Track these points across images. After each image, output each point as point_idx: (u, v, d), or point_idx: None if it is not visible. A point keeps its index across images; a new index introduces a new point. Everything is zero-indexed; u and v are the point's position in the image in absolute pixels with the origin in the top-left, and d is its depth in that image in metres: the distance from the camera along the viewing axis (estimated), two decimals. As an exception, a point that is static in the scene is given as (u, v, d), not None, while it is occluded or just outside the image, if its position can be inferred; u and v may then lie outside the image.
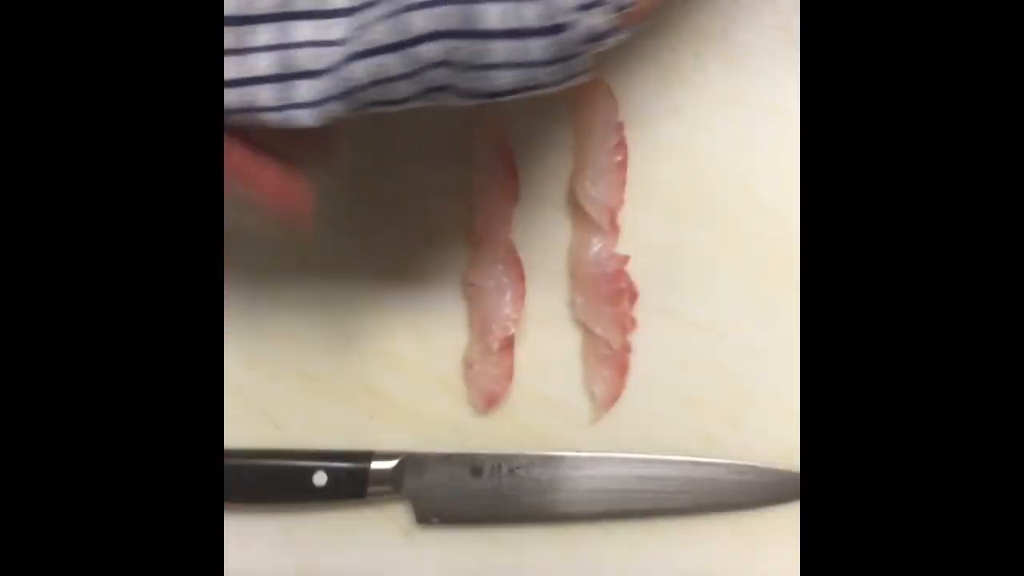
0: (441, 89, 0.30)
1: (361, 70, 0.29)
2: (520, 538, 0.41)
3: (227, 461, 0.39)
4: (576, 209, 0.43)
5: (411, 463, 0.40)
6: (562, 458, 0.41)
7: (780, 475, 0.41)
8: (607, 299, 0.42)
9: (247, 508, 0.41)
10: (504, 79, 0.29)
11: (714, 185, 0.43)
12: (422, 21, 0.28)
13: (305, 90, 0.30)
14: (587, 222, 0.42)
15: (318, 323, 0.42)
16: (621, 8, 0.30)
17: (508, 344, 0.42)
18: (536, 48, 0.29)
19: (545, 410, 0.42)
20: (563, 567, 0.41)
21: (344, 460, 0.40)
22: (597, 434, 0.42)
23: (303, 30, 0.30)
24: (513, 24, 0.28)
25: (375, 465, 0.40)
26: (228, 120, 0.30)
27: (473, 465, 0.40)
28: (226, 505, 0.39)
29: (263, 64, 0.30)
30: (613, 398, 0.42)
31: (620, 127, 0.43)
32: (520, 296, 0.42)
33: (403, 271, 0.43)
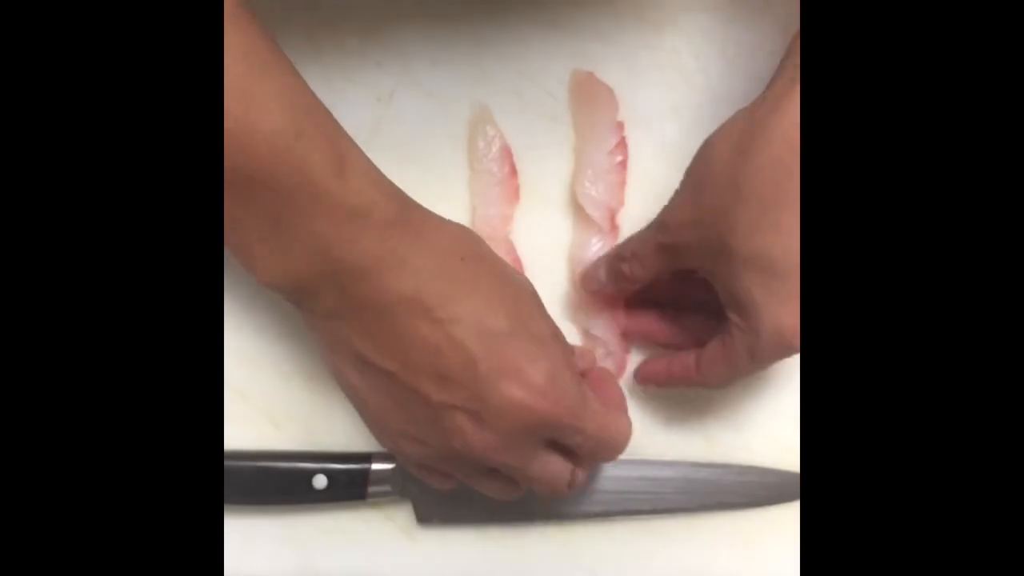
0: None
1: None
2: (520, 538, 0.41)
3: (227, 461, 0.39)
4: (576, 209, 0.43)
5: (411, 463, 0.40)
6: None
7: (780, 475, 0.41)
8: (607, 299, 0.42)
9: (247, 508, 0.41)
10: None
11: (714, 185, 0.43)
12: None
13: None
14: (587, 222, 0.42)
15: (318, 323, 0.42)
16: None
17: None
18: None
19: (545, 410, 0.42)
20: (563, 567, 0.41)
21: (344, 462, 0.40)
22: (597, 434, 0.42)
23: None
24: None
25: (375, 466, 0.40)
26: None
27: (473, 466, 0.40)
28: (226, 505, 0.39)
29: None
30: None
31: (620, 127, 0.43)
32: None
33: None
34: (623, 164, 0.43)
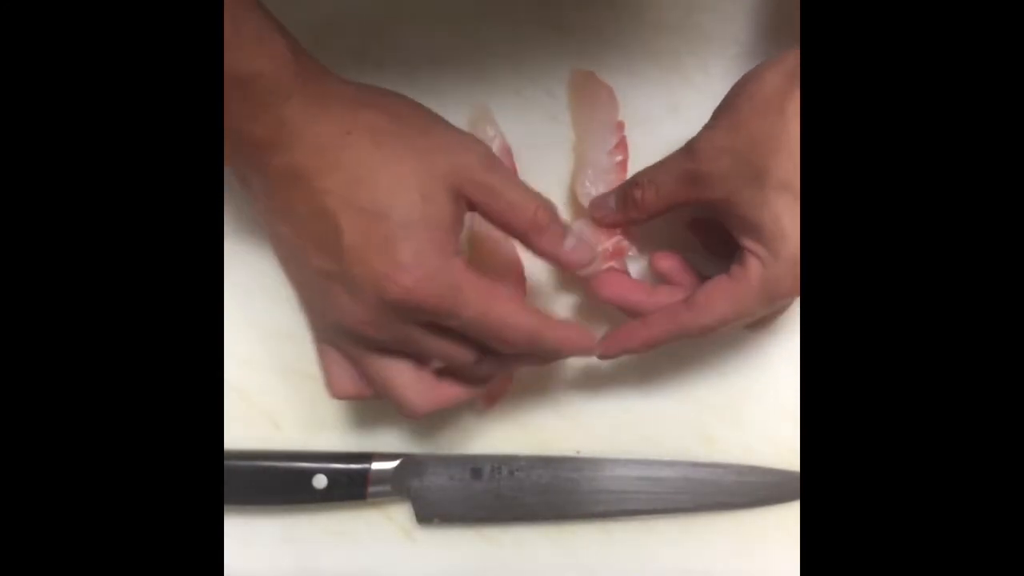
0: None
1: None
2: (520, 538, 0.41)
3: (227, 461, 0.39)
4: (576, 209, 0.43)
5: (411, 464, 0.40)
6: (562, 459, 0.41)
7: (780, 475, 0.41)
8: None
9: (247, 508, 0.41)
10: None
11: (714, 185, 0.43)
12: None
13: None
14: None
15: (318, 323, 0.42)
16: None
17: (508, 344, 0.42)
18: None
19: (545, 411, 0.42)
20: (563, 567, 0.41)
21: (344, 462, 0.40)
22: (597, 435, 0.42)
23: None
24: None
25: (376, 466, 0.40)
26: None
27: (473, 466, 0.40)
28: (226, 505, 0.39)
29: None
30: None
31: (620, 127, 0.43)
32: (520, 296, 0.42)
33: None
34: (623, 164, 0.43)
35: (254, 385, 0.42)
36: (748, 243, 0.34)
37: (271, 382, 0.42)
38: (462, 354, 0.34)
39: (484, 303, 0.33)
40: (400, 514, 0.41)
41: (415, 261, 0.31)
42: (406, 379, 0.35)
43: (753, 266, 0.34)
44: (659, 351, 0.42)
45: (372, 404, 0.42)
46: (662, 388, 0.42)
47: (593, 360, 0.42)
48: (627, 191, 0.38)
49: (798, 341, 0.40)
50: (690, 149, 0.36)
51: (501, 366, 0.36)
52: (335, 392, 0.36)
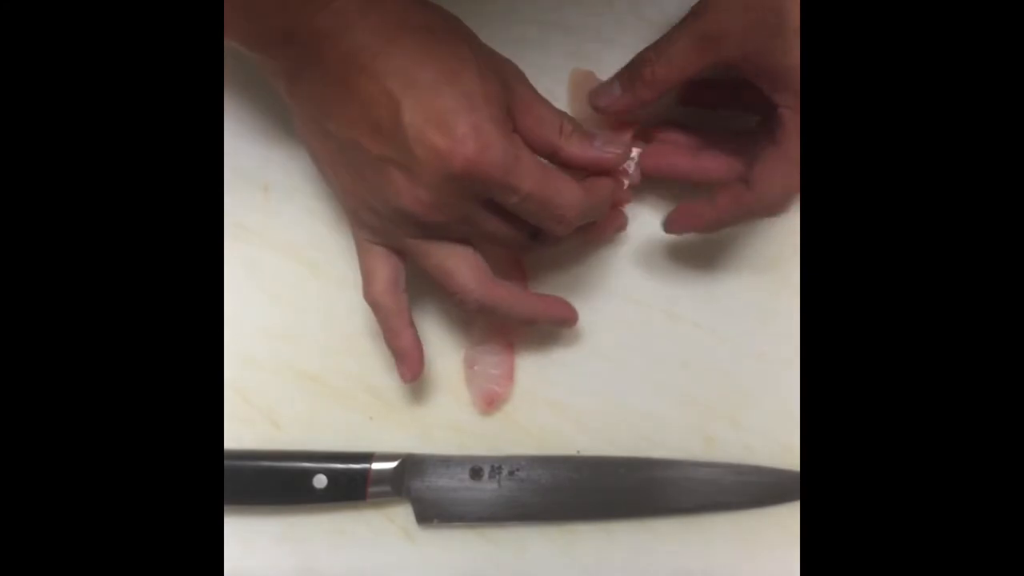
0: None
1: None
2: (520, 538, 0.41)
3: (227, 461, 0.39)
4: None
5: (411, 464, 0.40)
6: (562, 459, 0.41)
7: (780, 475, 0.41)
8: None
9: (247, 508, 0.41)
10: None
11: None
12: None
13: None
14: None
15: (318, 323, 0.42)
16: None
17: (508, 344, 0.42)
18: None
19: (545, 411, 0.42)
20: (563, 567, 0.41)
21: (344, 462, 0.40)
22: (597, 435, 0.42)
23: None
24: None
25: (375, 466, 0.40)
26: None
27: (473, 466, 0.40)
28: (226, 505, 0.39)
29: None
30: None
31: (620, 126, 0.43)
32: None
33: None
34: (623, 163, 0.42)
35: (254, 385, 0.42)
36: (779, 97, 0.34)
37: (271, 382, 0.42)
38: (517, 233, 0.36)
39: (541, 175, 0.33)
40: (400, 514, 0.41)
41: (475, 131, 0.32)
42: (466, 265, 0.36)
43: (791, 122, 0.34)
44: (659, 352, 0.42)
45: (372, 404, 0.42)
46: (662, 388, 0.42)
47: (593, 360, 0.42)
48: (634, 70, 0.37)
49: (798, 342, 0.40)
50: (700, 11, 0.35)
51: (552, 244, 0.37)
52: (369, 294, 0.37)
